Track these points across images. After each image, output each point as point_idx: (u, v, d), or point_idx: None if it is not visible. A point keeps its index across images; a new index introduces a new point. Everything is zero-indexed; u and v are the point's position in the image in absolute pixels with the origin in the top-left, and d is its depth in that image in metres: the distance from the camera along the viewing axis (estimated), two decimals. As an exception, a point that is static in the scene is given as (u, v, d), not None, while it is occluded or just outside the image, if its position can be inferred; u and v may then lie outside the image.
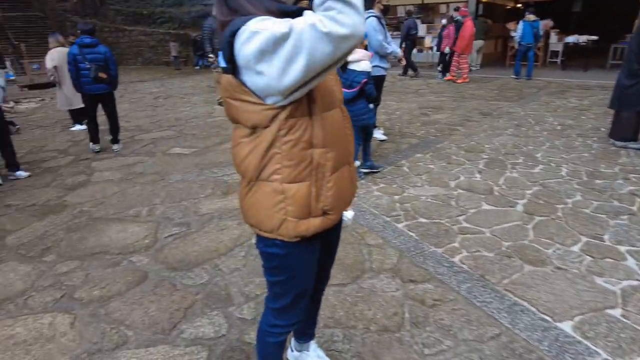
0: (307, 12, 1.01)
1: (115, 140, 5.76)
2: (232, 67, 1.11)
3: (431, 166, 4.46)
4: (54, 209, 3.89)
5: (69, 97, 6.75)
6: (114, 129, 5.72)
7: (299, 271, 1.36)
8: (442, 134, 5.73)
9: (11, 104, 9.66)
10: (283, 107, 1.12)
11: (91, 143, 5.73)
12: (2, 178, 4.70)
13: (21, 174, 4.86)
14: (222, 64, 1.16)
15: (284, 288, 1.39)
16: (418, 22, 12.23)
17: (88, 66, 5.18)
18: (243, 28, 1.05)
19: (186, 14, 21.17)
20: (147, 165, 4.96)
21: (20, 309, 2.45)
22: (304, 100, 1.14)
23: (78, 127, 7.13)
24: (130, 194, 4.11)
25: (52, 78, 6.81)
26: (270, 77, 1.04)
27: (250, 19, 1.06)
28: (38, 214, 3.81)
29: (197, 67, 18.69)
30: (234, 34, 1.07)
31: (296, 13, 1.15)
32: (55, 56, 6.66)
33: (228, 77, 1.15)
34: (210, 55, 7.73)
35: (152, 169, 4.82)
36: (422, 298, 2.34)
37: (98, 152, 5.66)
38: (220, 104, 8.26)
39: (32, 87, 13.32)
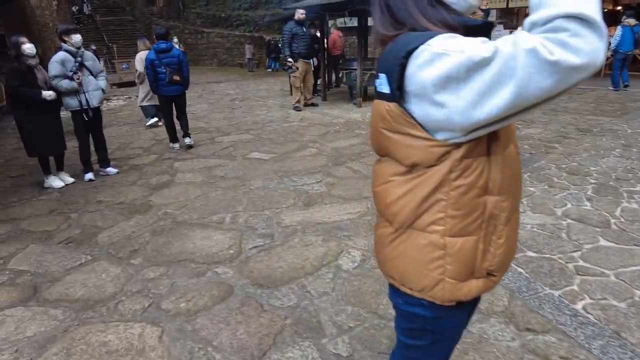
0: (519, 32, 0.76)
1: (186, 134, 6.04)
2: (399, 93, 0.90)
3: (531, 189, 4.00)
4: (139, 209, 3.96)
5: (142, 94, 7.33)
6: (185, 124, 6.03)
7: (444, 337, 1.12)
8: (537, 151, 5.20)
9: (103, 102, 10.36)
10: (457, 145, 0.89)
11: (171, 143, 6.01)
12: (94, 174, 4.92)
13: (111, 170, 5.07)
14: (382, 87, 0.95)
15: (421, 354, 1.15)
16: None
17: (164, 70, 5.51)
18: (422, 47, 0.84)
19: (261, 17, 21.69)
20: (227, 169, 4.96)
21: (112, 314, 2.43)
22: (484, 137, 0.90)
23: (153, 120, 7.66)
24: (213, 198, 4.09)
25: (140, 80, 7.25)
26: (454, 111, 0.81)
27: (431, 36, 0.84)
28: (126, 212, 3.90)
29: (270, 70, 19.08)
30: (409, 54, 0.85)
31: (482, 29, 0.90)
32: (145, 58, 7.00)
33: (387, 105, 0.94)
34: (290, 60, 7.73)
35: (232, 173, 4.81)
36: (546, 354, 1.99)
37: (178, 149, 5.90)
38: (295, 108, 8.22)
39: (120, 85, 14.28)
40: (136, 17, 28.16)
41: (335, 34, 11.38)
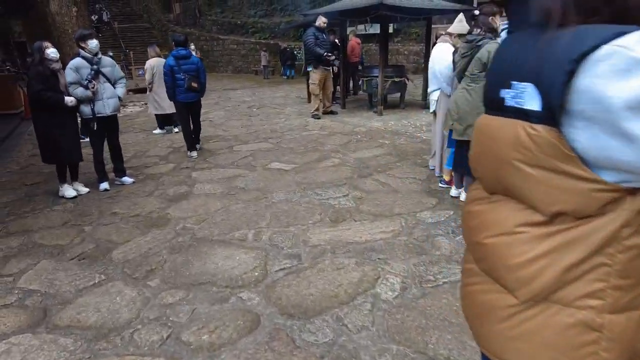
0: None
1: (197, 141, 6.10)
2: (556, 112, 0.64)
3: None
4: (157, 222, 3.73)
5: (160, 103, 7.16)
6: (198, 131, 6.08)
7: None
8: None
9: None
10: (634, 191, 0.63)
11: (189, 151, 5.87)
12: (109, 183, 4.72)
13: (127, 180, 4.87)
14: (525, 101, 0.68)
15: None
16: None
17: (183, 77, 5.47)
18: (610, 49, 0.58)
19: (277, 24, 21.63)
20: (248, 180, 4.72)
21: (127, 345, 2.19)
22: None
23: (159, 131, 7.56)
24: (234, 212, 3.84)
25: (150, 87, 7.16)
26: None
27: (622, 32, 0.58)
28: (142, 226, 3.67)
29: (285, 77, 18.95)
30: (583, 57, 0.59)
31: None
32: (155, 65, 7.12)
33: (531, 127, 0.68)
34: (329, 54, 7.51)
35: (253, 184, 4.56)
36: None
37: (196, 158, 5.77)
38: (314, 116, 7.99)
39: (136, 91, 14.22)
40: (153, 24, 28.39)
41: (353, 40, 11.16)
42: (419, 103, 9.48)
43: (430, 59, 4.28)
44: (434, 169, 4.52)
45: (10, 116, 10.25)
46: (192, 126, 5.92)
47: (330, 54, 7.69)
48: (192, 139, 5.89)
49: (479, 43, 3.29)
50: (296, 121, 7.97)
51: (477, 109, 3.46)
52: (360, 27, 11.31)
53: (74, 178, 4.59)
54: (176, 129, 7.36)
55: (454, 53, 3.65)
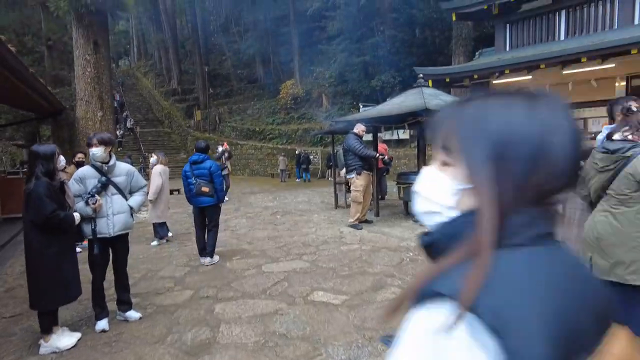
0: None
1: (209, 253, 5.43)
2: None
3: None
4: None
5: (158, 211, 6.74)
6: (211, 239, 5.47)
7: None
8: None
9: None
10: None
11: (201, 257, 5.49)
12: (107, 321, 3.57)
13: (132, 315, 3.74)
14: None
15: None
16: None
17: (194, 181, 5.30)
18: None
19: (294, 131, 21.96)
20: (288, 320, 3.54)
21: None
22: None
23: (156, 242, 6.79)
24: (279, 383, 2.63)
25: (154, 196, 6.51)
26: None
27: None
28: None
29: (299, 180, 18.58)
30: None
31: None
32: (162, 171, 6.83)
33: None
34: (382, 155, 6.99)
35: (297, 328, 3.38)
36: None
37: (209, 264, 5.36)
38: (354, 226, 7.02)
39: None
40: (173, 130, 29.27)
41: (380, 146, 10.70)
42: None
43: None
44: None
45: (17, 220, 9.45)
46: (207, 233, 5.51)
47: (382, 155, 7.20)
48: (204, 245, 5.45)
49: (627, 153, 2.38)
50: (329, 231, 6.97)
51: (630, 240, 2.43)
52: (387, 132, 10.96)
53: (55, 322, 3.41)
54: (157, 242, 6.74)
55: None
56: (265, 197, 12.39)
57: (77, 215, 3.31)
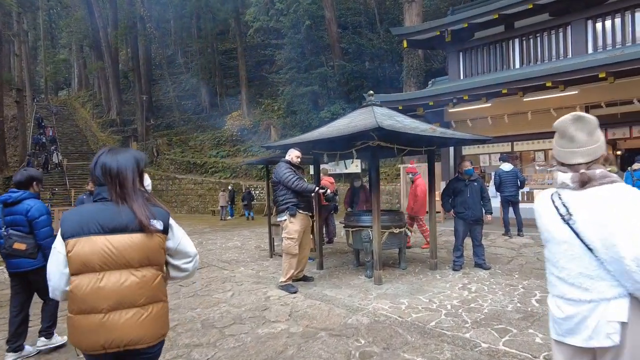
0: None
1: (45, 331, 3.44)
2: None
3: None
4: None
5: None
6: (47, 314, 3.47)
7: None
8: None
9: None
10: None
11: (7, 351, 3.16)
12: None
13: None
14: None
15: None
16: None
17: (4, 232, 3.17)
18: None
19: (239, 164, 19.86)
20: None
21: None
22: None
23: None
24: None
25: None
26: None
27: None
28: None
29: (246, 217, 16.43)
30: None
31: None
32: None
33: None
34: (322, 189, 5.14)
35: None
36: None
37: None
38: (285, 288, 4.99)
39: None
40: (108, 163, 26.15)
41: (325, 180, 8.91)
42: (419, 256, 6.80)
43: (542, 216, 1.66)
44: None
45: None
46: (42, 311, 3.42)
47: (324, 188, 5.24)
48: (16, 329, 3.26)
49: None
50: (250, 298, 4.88)
51: None
52: (333, 163, 9.22)
53: None
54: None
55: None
56: (192, 241, 10.06)
57: None
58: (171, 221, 1.70)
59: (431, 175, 6.16)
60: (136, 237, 1.54)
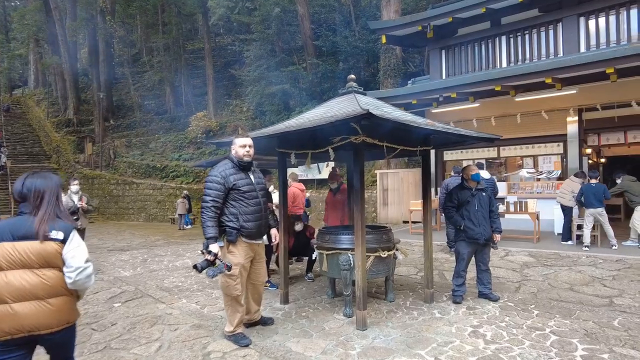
0: None
1: None
2: None
3: None
4: None
5: None
6: None
7: None
8: None
9: None
10: None
11: None
12: None
13: None
14: None
15: None
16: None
17: None
18: None
19: (204, 168, 18.12)
20: None
21: None
22: None
23: None
24: None
25: None
26: None
27: None
28: None
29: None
30: None
31: None
32: None
33: None
34: (211, 249, 3.29)
35: None
36: None
37: None
38: (232, 339, 3.50)
39: None
40: (61, 166, 23.73)
41: (294, 186, 7.52)
42: (406, 280, 5.41)
43: None
44: None
45: None
46: None
47: (212, 248, 3.27)
48: None
49: None
50: (182, 354, 3.35)
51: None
52: (302, 167, 7.82)
53: None
54: None
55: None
56: (134, 257, 8.35)
57: None
58: (73, 234, 2.02)
59: (426, 181, 4.87)
60: (35, 244, 1.91)
